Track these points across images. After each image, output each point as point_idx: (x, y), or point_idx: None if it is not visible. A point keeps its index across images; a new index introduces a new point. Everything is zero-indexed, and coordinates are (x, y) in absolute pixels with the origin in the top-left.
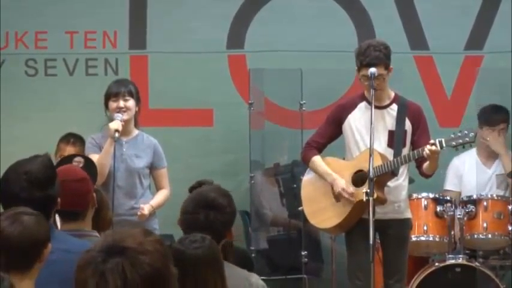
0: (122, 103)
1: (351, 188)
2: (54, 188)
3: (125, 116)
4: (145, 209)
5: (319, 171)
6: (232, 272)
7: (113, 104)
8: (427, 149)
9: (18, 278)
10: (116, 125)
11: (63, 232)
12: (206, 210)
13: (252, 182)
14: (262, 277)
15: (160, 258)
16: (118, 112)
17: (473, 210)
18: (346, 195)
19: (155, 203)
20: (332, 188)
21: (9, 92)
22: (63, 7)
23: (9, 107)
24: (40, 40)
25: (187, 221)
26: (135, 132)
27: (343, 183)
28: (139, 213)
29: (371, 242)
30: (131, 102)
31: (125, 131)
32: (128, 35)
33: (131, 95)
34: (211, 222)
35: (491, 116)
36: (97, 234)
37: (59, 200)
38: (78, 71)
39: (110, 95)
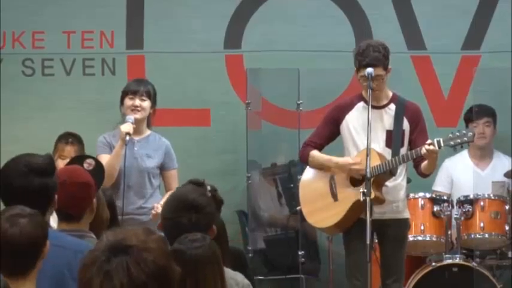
0: (137, 102)
1: (358, 159)
2: (53, 179)
3: (138, 115)
4: (160, 208)
5: (322, 161)
6: None
7: (128, 102)
8: (424, 148)
9: (19, 282)
10: (126, 128)
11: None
12: (188, 213)
13: (249, 181)
14: (259, 277)
15: (164, 255)
16: (132, 110)
17: (470, 210)
18: (358, 167)
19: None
20: (330, 187)
21: (6, 92)
22: (60, 7)
23: (7, 107)
24: (37, 40)
25: (170, 225)
26: (147, 132)
27: (347, 159)
28: (153, 212)
29: (368, 242)
30: (147, 103)
31: (137, 131)
32: (125, 35)
33: (149, 95)
34: (194, 224)
35: (473, 113)
36: (92, 235)
37: (56, 197)
38: (75, 71)
39: (128, 92)
